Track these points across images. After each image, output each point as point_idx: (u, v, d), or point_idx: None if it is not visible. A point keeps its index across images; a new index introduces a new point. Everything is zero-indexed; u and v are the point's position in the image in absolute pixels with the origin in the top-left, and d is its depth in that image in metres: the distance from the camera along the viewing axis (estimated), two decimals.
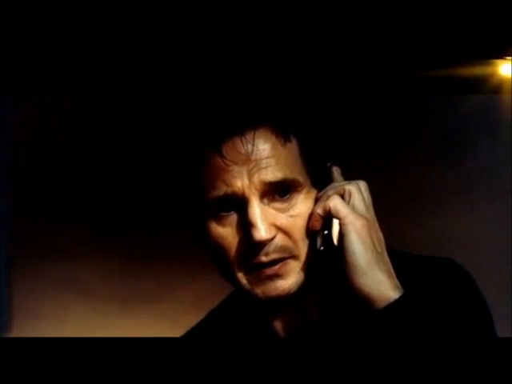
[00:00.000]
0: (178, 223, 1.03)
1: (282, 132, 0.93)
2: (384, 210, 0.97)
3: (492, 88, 2.57)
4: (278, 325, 0.99)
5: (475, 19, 2.20)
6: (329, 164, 1.00)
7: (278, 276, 0.93)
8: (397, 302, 0.88)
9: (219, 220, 0.94)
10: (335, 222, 0.93)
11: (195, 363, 0.98)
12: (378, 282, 0.89)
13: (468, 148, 2.76)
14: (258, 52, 2.15)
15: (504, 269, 2.65)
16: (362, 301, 0.89)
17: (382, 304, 0.88)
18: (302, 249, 0.94)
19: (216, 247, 0.95)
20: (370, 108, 2.76)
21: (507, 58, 2.53)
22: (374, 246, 0.91)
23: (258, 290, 0.94)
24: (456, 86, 2.65)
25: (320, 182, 0.97)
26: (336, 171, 0.99)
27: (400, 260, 0.94)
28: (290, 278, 0.93)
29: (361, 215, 0.92)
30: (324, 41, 2.27)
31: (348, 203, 0.93)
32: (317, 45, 2.29)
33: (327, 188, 0.96)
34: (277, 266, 0.93)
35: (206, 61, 2.09)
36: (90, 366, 1.01)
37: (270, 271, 0.93)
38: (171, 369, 0.98)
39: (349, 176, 1.00)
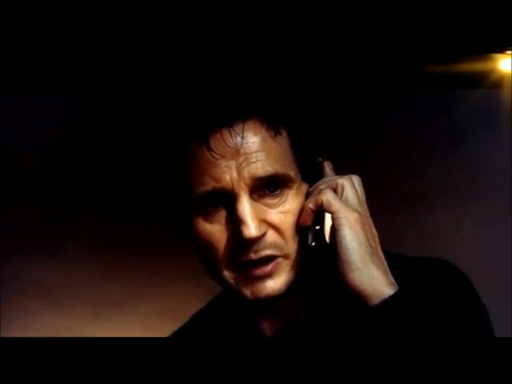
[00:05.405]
0: (153, 228, 0.91)
1: (272, 124, 0.91)
2: (378, 207, 0.95)
3: (492, 83, 2.56)
4: (265, 324, 0.97)
5: (475, 14, 2.21)
6: (320, 159, 0.98)
7: (268, 276, 0.90)
8: (392, 298, 0.86)
9: (207, 216, 0.91)
10: (327, 217, 0.91)
11: (181, 364, 0.95)
12: (373, 277, 0.87)
13: (467, 144, 2.73)
14: (249, 43, 2.12)
15: (502, 268, 2.61)
16: (355, 297, 0.88)
17: (376, 300, 0.86)
18: (293, 247, 0.92)
19: (203, 244, 0.92)
20: (367, 104, 2.73)
21: (507, 52, 2.53)
22: (368, 240, 0.89)
23: (247, 291, 0.91)
24: (456, 81, 2.63)
25: (311, 176, 0.96)
26: (328, 166, 0.97)
27: (394, 261, 0.92)
28: (281, 278, 0.91)
29: (354, 209, 0.90)
30: (321, 35, 2.25)
31: (341, 197, 0.91)
32: (314, 39, 2.27)
33: (319, 182, 0.94)
34: (268, 267, 0.90)
35: (196, 51, 2.00)
36: (56, 367, 0.96)
37: (259, 272, 0.90)
38: (156, 370, 0.95)
39: (342, 173, 0.97)
